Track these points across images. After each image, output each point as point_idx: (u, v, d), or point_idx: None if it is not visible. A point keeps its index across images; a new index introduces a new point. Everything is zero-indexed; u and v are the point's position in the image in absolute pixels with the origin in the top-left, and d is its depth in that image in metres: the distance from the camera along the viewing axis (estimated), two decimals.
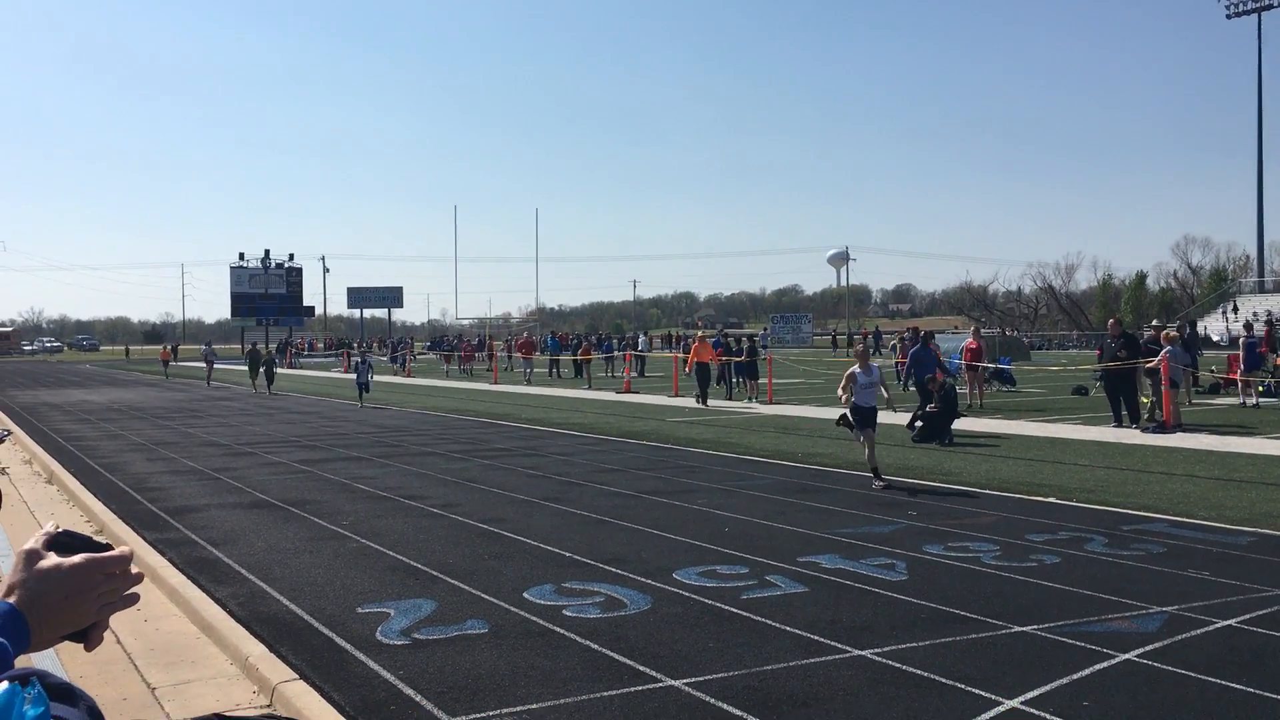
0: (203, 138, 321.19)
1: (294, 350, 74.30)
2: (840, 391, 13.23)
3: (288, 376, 52.49)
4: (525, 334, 50.99)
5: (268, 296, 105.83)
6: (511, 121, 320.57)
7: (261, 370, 36.53)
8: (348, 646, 6.40)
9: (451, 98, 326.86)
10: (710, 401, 26.66)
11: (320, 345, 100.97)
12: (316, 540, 9.85)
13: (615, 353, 47.61)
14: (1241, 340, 25.41)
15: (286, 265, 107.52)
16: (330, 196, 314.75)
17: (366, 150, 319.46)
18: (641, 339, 52.50)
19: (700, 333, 31.92)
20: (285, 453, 17.55)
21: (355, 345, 70.02)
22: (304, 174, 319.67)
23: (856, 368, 13.01)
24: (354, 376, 30.75)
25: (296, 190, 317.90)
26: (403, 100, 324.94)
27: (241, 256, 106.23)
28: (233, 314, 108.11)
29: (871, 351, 39.49)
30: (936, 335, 42.15)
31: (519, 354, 44.64)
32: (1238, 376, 27.80)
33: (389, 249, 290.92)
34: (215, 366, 47.77)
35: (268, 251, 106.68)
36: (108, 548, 1.52)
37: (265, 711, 5.53)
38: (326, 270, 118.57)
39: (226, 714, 5.19)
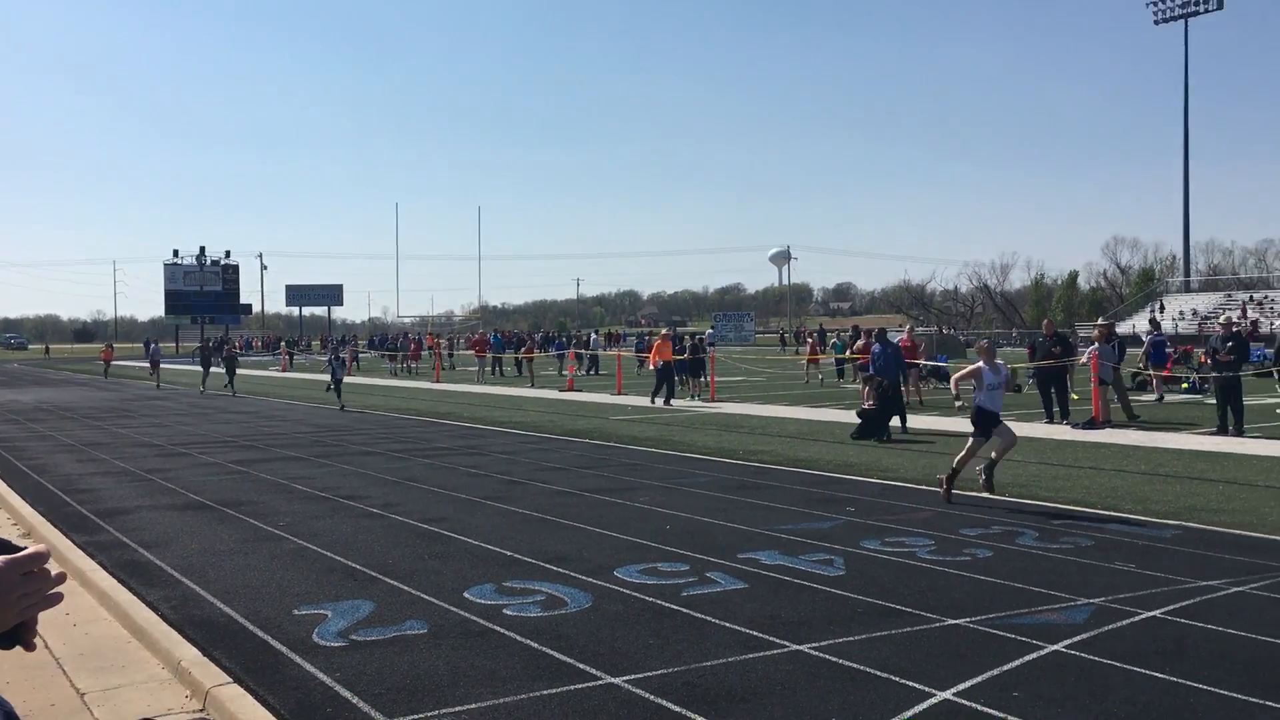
0: (136, 131, 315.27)
1: (230, 349, 72.97)
2: (954, 387, 12.27)
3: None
4: (479, 332, 50.06)
5: (203, 294, 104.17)
6: (454, 118, 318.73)
7: (222, 368, 34.67)
8: (283, 649, 6.34)
9: (392, 93, 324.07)
10: (658, 400, 26.45)
11: (259, 343, 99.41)
12: (252, 542, 9.73)
13: (568, 352, 47.15)
14: (1149, 338, 25.96)
15: (223, 262, 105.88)
16: (268, 193, 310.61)
17: (306, 146, 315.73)
18: (594, 337, 51.03)
19: (664, 330, 31.61)
20: (220, 453, 17.30)
21: (328, 343, 65.64)
22: (241, 169, 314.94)
23: (982, 364, 11.71)
24: (326, 376, 28.70)
25: (233, 186, 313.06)
26: (343, 95, 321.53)
27: (176, 253, 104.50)
28: (167, 312, 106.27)
29: (821, 349, 39.80)
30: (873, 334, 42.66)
31: (473, 352, 43.80)
32: (1168, 373, 28.49)
33: (329, 246, 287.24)
34: (163, 366, 45.15)
35: (203, 248, 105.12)
36: (23, 548, 1.50)
37: (198, 716, 5.47)
38: (264, 267, 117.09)
39: (158, 719, 5.10)
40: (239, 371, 36.25)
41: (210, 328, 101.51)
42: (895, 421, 18.26)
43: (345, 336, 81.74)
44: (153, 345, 47.27)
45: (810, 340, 42.16)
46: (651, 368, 27.93)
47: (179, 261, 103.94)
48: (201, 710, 5.64)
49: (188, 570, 8.57)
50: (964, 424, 19.68)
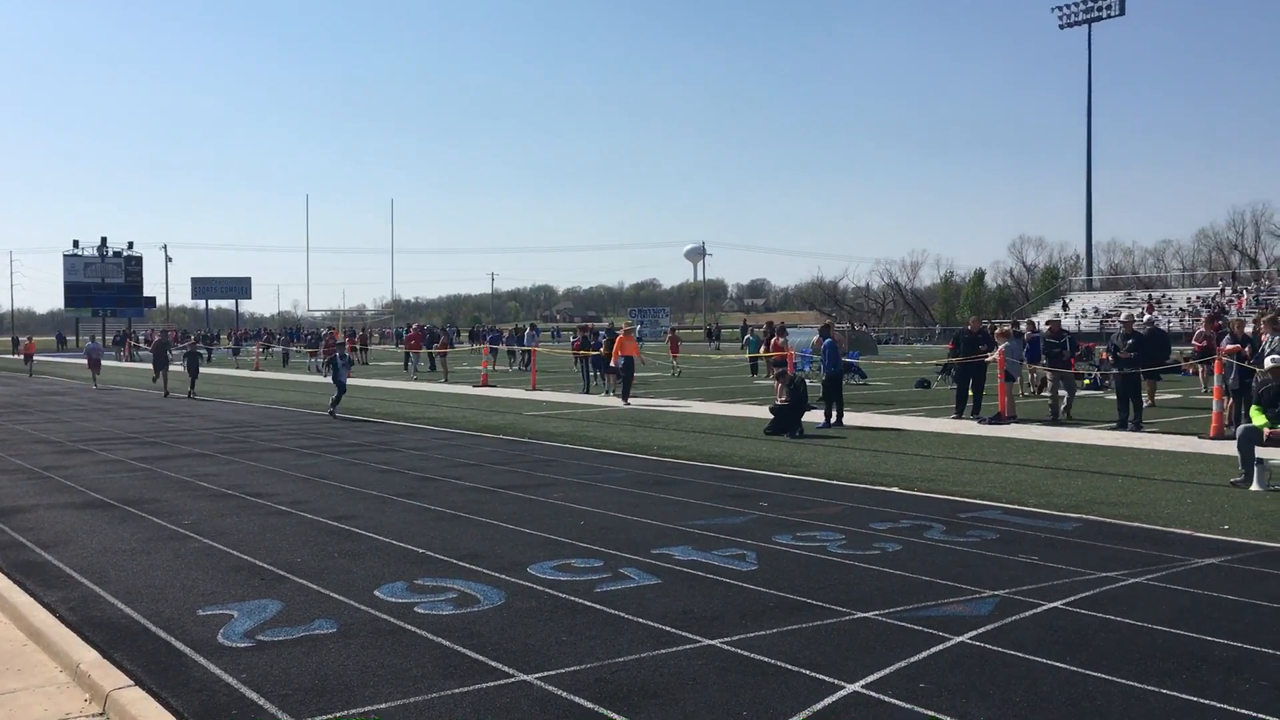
0: (32, 117, 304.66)
1: (133, 343, 70.94)
2: None
3: (131, 371, 50.33)
4: (416, 325, 48.80)
5: (105, 286, 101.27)
6: (367, 110, 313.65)
7: (184, 366, 30.68)
8: (187, 650, 6.19)
9: (304, 82, 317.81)
10: (630, 400, 25.08)
11: (158, 336, 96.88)
12: (155, 541, 9.48)
13: (501, 346, 45.38)
14: (1025, 336, 26.61)
15: (125, 254, 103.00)
16: (173, 183, 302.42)
17: (213, 135, 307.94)
18: (529, 331, 48.02)
19: (625, 324, 30.77)
20: (122, 450, 16.83)
21: (324, 339, 54.15)
22: (145, 159, 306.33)
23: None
24: (327, 378, 23.97)
25: (137, 176, 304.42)
26: (252, 84, 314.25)
27: (76, 244, 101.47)
28: (66, 304, 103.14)
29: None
30: (790, 329, 43.15)
31: (406, 347, 42.05)
32: (1072, 369, 29.24)
33: (237, 238, 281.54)
34: (103, 364, 39.92)
35: (105, 239, 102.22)
36: None
37: None
38: (169, 259, 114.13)
39: None
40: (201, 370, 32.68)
41: (113, 321, 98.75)
42: (811, 416, 18.49)
43: (258, 330, 79.23)
44: (92, 341, 42.17)
45: (670, 337, 45.81)
46: (613, 364, 26.90)
47: (79, 253, 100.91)
48: (101, 714, 5.48)
49: (87, 570, 8.32)
50: (866, 419, 20.02)
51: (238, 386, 34.23)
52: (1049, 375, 21.10)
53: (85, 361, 38.69)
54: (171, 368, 32.18)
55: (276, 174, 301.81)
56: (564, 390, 29.84)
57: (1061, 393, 20.64)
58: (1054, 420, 19.55)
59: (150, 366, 33.26)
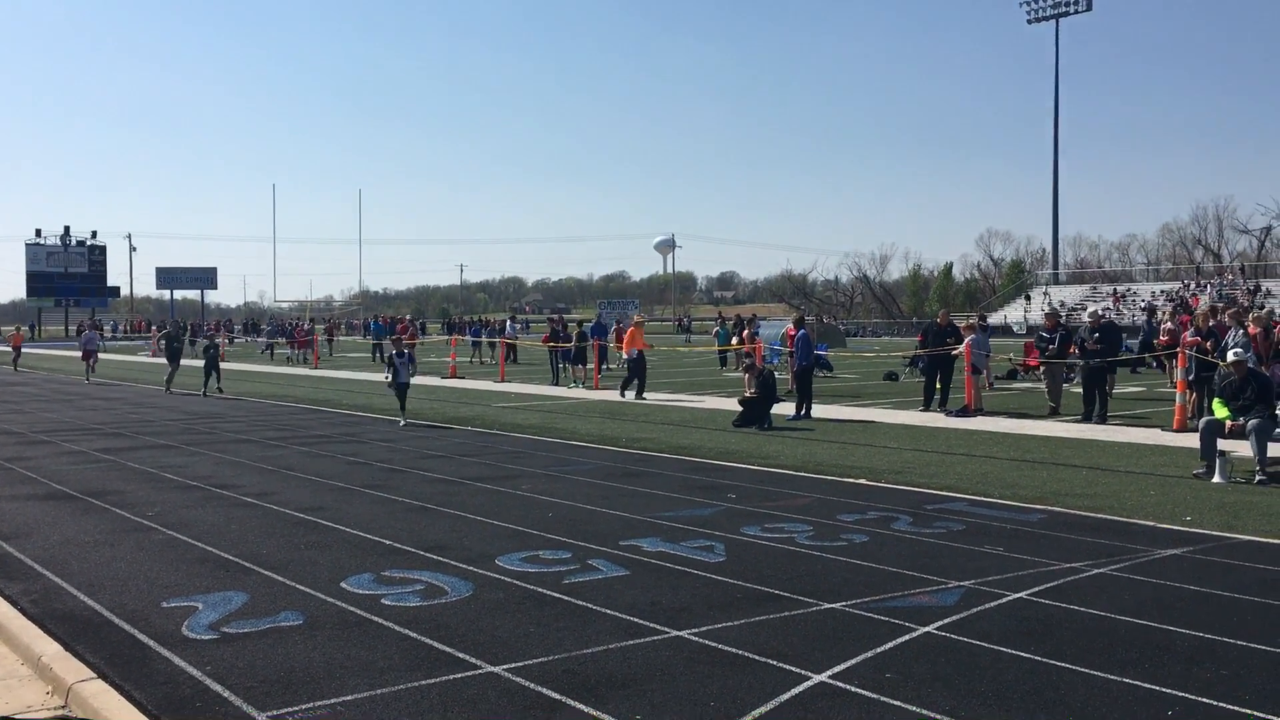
0: None
1: (211, 336, 69.90)
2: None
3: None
4: (405, 317, 47.59)
5: (68, 276, 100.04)
6: (334, 99, 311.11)
7: (204, 361, 26.70)
8: (151, 643, 6.13)
9: (269, 70, 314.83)
10: (628, 394, 24.05)
11: (125, 327, 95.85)
12: (119, 532, 9.38)
13: (483, 338, 43.26)
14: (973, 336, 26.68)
15: (89, 243, 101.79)
16: (138, 171, 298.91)
17: (178, 123, 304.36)
18: (510, 324, 44.27)
19: (636, 317, 28.98)
20: (86, 441, 16.64)
21: (391, 329, 47.87)
22: (110, 146, 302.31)
23: None
24: (386, 378, 19.69)
25: (101, 164, 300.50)
26: (218, 71, 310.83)
27: (39, 233, 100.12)
28: (28, 294, 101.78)
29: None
30: (762, 322, 43.20)
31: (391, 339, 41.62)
32: (1035, 363, 29.52)
33: (202, 228, 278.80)
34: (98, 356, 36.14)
35: (68, 228, 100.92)
36: None
37: (59, 713, 5.25)
38: (133, 249, 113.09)
39: (16, 717, 4.90)
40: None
41: (75, 311, 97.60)
42: (780, 409, 18.55)
43: (222, 320, 77.35)
44: (87, 331, 38.72)
45: (404, 326, 44.67)
46: (625, 357, 25.86)
47: (41, 241, 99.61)
48: (63, 707, 5.42)
49: (49, 562, 8.22)
50: (834, 411, 20.12)
51: (198, 378, 33.90)
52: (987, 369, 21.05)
53: (80, 353, 35.04)
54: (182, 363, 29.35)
55: (243, 163, 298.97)
56: (533, 382, 29.78)
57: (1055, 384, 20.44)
58: (1055, 414, 19.15)
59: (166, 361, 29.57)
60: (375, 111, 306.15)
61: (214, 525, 9.64)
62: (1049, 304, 74.29)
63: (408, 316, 58.72)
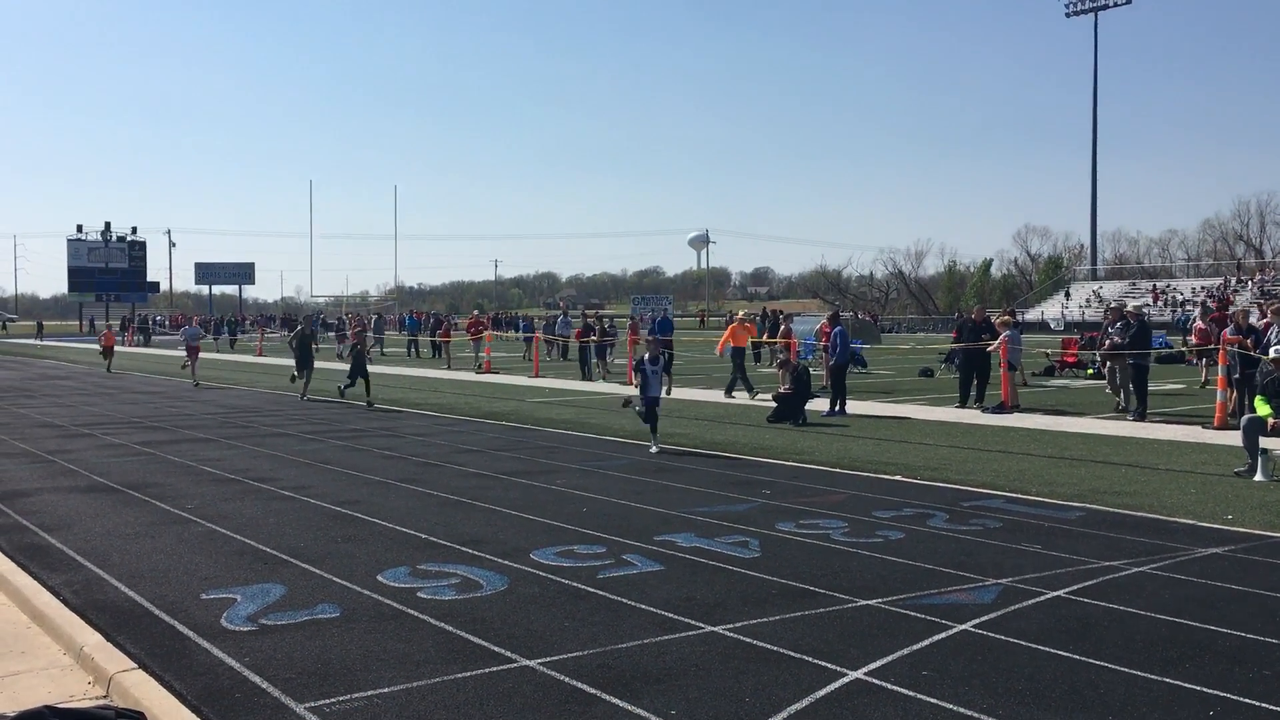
0: (39, 102, 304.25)
1: (358, 331, 70.32)
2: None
3: (141, 356, 50.26)
4: (474, 313, 47.37)
5: (108, 271, 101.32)
6: (371, 94, 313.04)
7: (349, 366, 22.83)
8: (190, 634, 6.20)
9: (307, 67, 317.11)
10: (738, 394, 22.93)
11: (166, 322, 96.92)
12: (158, 525, 9.49)
13: (525, 333, 42.44)
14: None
15: (129, 239, 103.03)
16: (177, 168, 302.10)
17: (217, 120, 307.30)
18: (562, 319, 41.60)
19: (740, 314, 27.64)
20: (126, 434, 16.85)
21: (435, 325, 43.95)
22: (150, 144, 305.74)
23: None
24: (635, 394, 14.98)
25: (141, 160, 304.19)
26: (256, 68, 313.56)
27: (80, 229, 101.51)
28: (70, 289, 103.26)
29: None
30: (795, 317, 42.99)
31: (468, 335, 39.10)
32: (1074, 359, 29.29)
33: (241, 223, 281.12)
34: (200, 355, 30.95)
35: (108, 224, 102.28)
36: None
37: (101, 702, 5.32)
38: (172, 244, 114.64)
39: (60, 705, 4.96)
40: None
41: (115, 306, 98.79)
42: (817, 405, 18.47)
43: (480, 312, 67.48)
44: (189, 326, 33.48)
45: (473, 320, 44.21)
46: (719, 354, 24.88)
47: (83, 237, 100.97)
48: (105, 696, 5.49)
49: (91, 554, 8.33)
50: (869, 407, 20.01)
51: (237, 372, 34.20)
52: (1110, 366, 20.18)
53: (183, 351, 29.98)
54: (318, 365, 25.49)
55: (280, 159, 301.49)
56: (566, 377, 29.84)
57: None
58: (1122, 410, 18.37)
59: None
60: (411, 107, 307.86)
61: (252, 518, 9.74)
62: (1113, 299, 73.48)
63: (476, 311, 57.56)
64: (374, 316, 56.85)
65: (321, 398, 23.57)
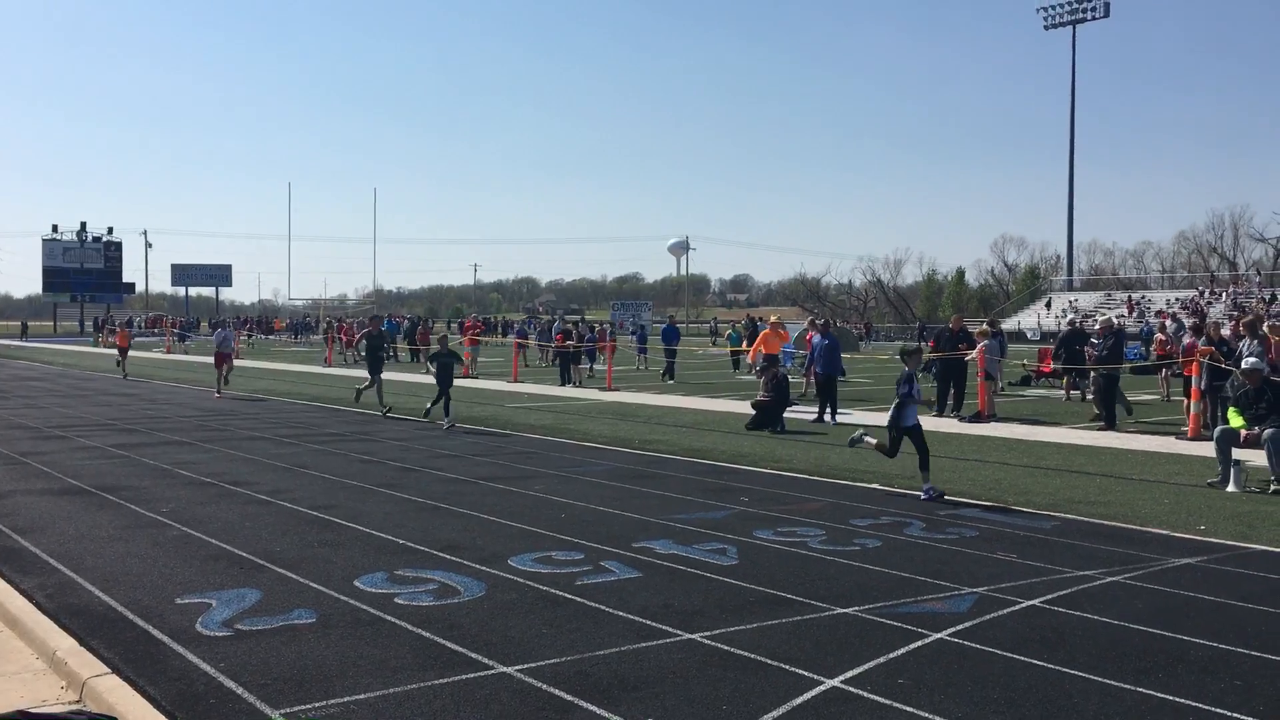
0: (13, 100, 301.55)
1: (111, 329, 70.17)
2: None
3: (152, 362, 49.90)
4: (473, 315, 46.64)
5: (84, 271, 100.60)
6: (351, 97, 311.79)
7: (433, 376, 19.14)
8: (165, 639, 6.16)
9: (286, 68, 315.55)
10: (571, 388, 23.90)
11: (139, 323, 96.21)
12: (133, 528, 9.42)
13: (530, 341, 41.14)
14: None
15: (105, 239, 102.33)
16: (155, 169, 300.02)
17: (194, 121, 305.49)
18: (556, 324, 39.65)
19: (774, 318, 26.90)
20: (100, 436, 16.72)
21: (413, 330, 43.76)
22: (126, 144, 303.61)
23: None
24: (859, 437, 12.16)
25: (117, 161, 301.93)
26: (234, 69, 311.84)
27: (55, 229, 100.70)
28: (45, 289, 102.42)
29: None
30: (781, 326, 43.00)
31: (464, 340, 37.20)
32: (1049, 369, 29.43)
33: (218, 225, 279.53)
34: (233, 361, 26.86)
35: (84, 224, 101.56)
36: None
37: (74, 707, 5.28)
38: (149, 245, 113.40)
39: (33, 710, 4.91)
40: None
41: (90, 307, 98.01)
42: (791, 412, 18.51)
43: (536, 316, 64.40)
44: (222, 330, 28.49)
45: (470, 323, 43.66)
46: (751, 361, 23.98)
47: (58, 237, 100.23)
48: (78, 701, 5.44)
49: (64, 557, 8.26)
50: (847, 416, 20.07)
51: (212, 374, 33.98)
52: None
53: (213, 358, 26.11)
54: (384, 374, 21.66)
55: (258, 161, 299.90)
56: (545, 383, 29.81)
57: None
58: (1108, 425, 18.27)
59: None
60: (390, 110, 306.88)
61: (228, 522, 9.68)
62: (1055, 308, 74.15)
63: (474, 315, 56.28)
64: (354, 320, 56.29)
65: (406, 416, 21.53)
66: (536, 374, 33.30)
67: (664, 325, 34.49)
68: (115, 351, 34.80)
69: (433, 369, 19.48)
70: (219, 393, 25.09)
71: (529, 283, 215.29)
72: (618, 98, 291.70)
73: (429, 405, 19.28)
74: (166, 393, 26.53)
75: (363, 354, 22.09)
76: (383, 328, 24.25)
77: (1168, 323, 32.07)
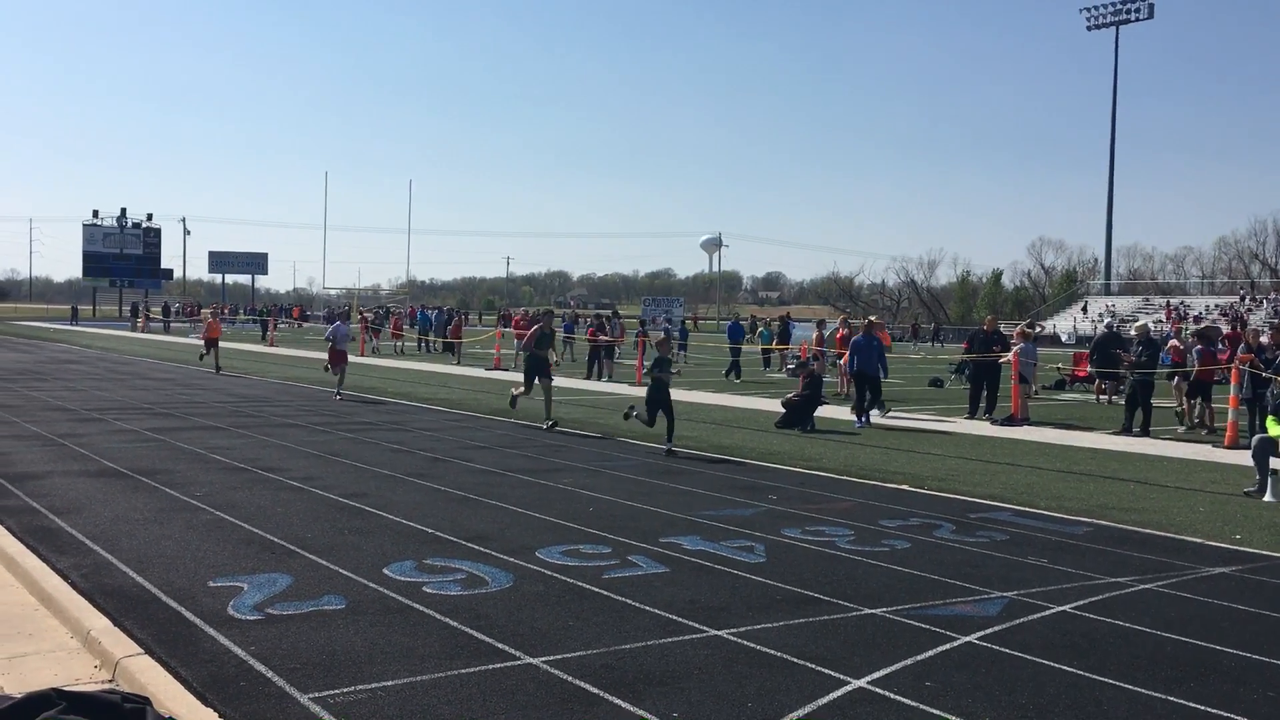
0: (57, 87, 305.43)
1: (148, 315, 71.07)
2: None
3: (153, 343, 50.43)
4: (522, 311, 45.67)
5: (123, 257, 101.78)
6: (388, 88, 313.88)
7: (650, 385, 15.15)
8: (197, 621, 6.22)
9: (325, 59, 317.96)
10: (595, 383, 23.61)
11: (176, 308, 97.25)
12: (167, 511, 9.53)
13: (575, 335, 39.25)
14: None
15: (144, 225, 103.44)
16: (194, 156, 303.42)
17: (234, 109, 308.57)
18: (610, 318, 35.78)
19: (873, 316, 26.65)
20: (136, 420, 16.91)
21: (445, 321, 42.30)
22: (167, 130, 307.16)
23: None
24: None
25: (158, 147, 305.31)
26: (274, 59, 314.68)
27: (95, 214, 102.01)
28: (84, 274, 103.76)
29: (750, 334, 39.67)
30: (795, 324, 42.89)
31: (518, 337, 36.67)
32: (1084, 373, 29.17)
33: (255, 213, 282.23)
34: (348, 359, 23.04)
35: (124, 210, 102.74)
36: None
37: (107, 686, 5.35)
38: (187, 232, 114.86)
39: (66, 688, 4.97)
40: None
41: (129, 292, 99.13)
42: (823, 411, 18.44)
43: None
44: (337, 321, 23.70)
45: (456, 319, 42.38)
46: (843, 364, 23.26)
47: (99, 223, 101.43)
48: (111, 681, 5.51)
49: (99, 538, 8.37)
50: (878, 416, 19.96)
51: (250, 362, 34.27)
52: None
53: (327, 354, 22.64)
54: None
55: (296, 151, 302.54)
56: (574, 377, 29.87)
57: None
58: (1143, 432, 17.92)
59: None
60: (428, 102, 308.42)
61: (260, 507, 9.77)
62: (1091, 312, 73.34)
63: (524, 309, 55.38)
64: (383, 309, 56.32)
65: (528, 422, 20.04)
66: (569, 368, 33.35)
67: (729, 323, 35.73)
68: (201, 344, 31.56)
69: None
70: (339, 394, 21.82)
71: (561, 276, 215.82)
72: (653, 95, 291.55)
73: (545, 414, 17.64)
74: (203, 378, 26.72)
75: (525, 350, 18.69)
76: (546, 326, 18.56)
77: (1185, 331, 31.53)
